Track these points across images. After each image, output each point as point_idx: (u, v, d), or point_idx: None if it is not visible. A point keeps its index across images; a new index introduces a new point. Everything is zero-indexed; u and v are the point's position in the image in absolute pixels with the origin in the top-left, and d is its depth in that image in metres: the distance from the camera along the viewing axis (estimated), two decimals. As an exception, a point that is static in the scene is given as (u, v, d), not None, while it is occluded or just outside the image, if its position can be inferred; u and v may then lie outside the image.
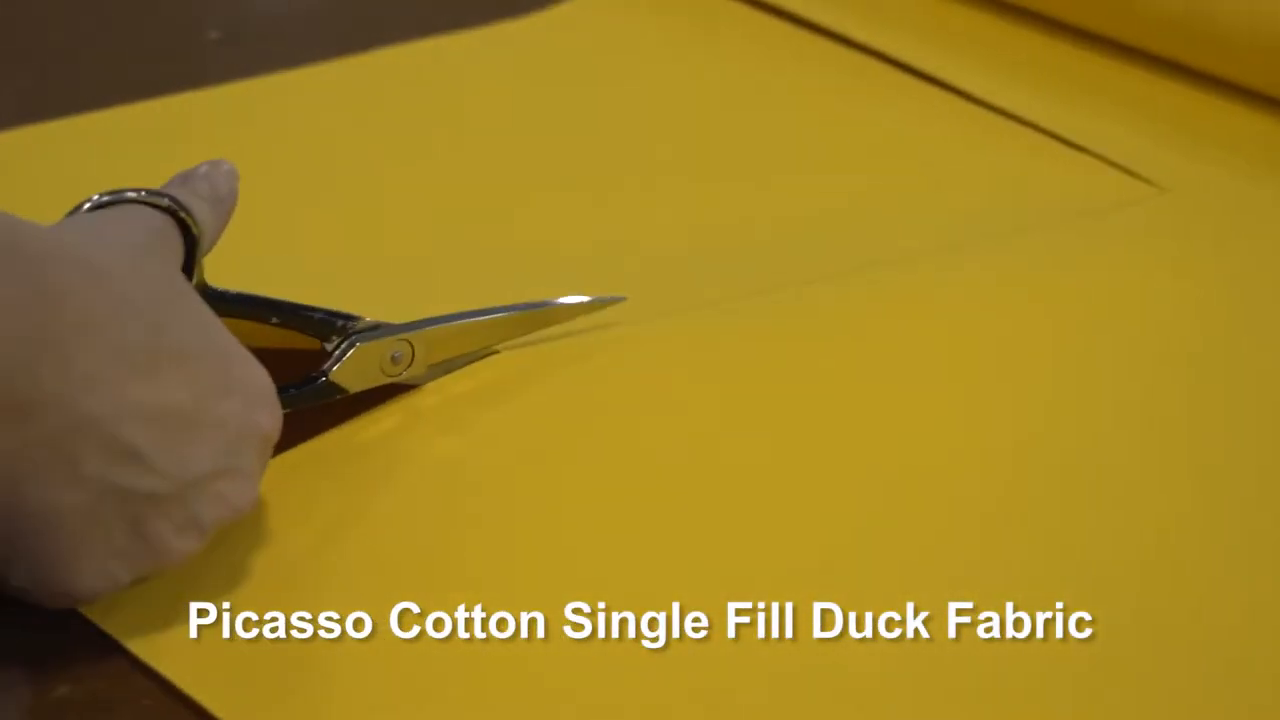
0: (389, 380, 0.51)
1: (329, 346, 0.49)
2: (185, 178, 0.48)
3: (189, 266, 0.46)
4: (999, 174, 0.65)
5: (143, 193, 0.45)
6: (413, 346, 0.51)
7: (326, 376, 0.50)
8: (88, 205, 0.46)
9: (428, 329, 0.51)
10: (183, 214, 0.46)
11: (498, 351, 0.54)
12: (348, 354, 0.49)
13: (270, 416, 0.46)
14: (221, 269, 0.48)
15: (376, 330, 0.50)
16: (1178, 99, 0.66)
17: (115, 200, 0.45)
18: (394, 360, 0.50)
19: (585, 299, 0.55)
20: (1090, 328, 0.59)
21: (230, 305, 0.47)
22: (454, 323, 0.51)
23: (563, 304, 0.54)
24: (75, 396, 0.40)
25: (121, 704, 0.46)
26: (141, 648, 0.49)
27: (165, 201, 0.45)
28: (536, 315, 0.53)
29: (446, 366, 0.53)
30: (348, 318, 0.49)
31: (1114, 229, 0.61)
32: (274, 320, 0.49)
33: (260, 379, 0.46)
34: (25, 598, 0.44)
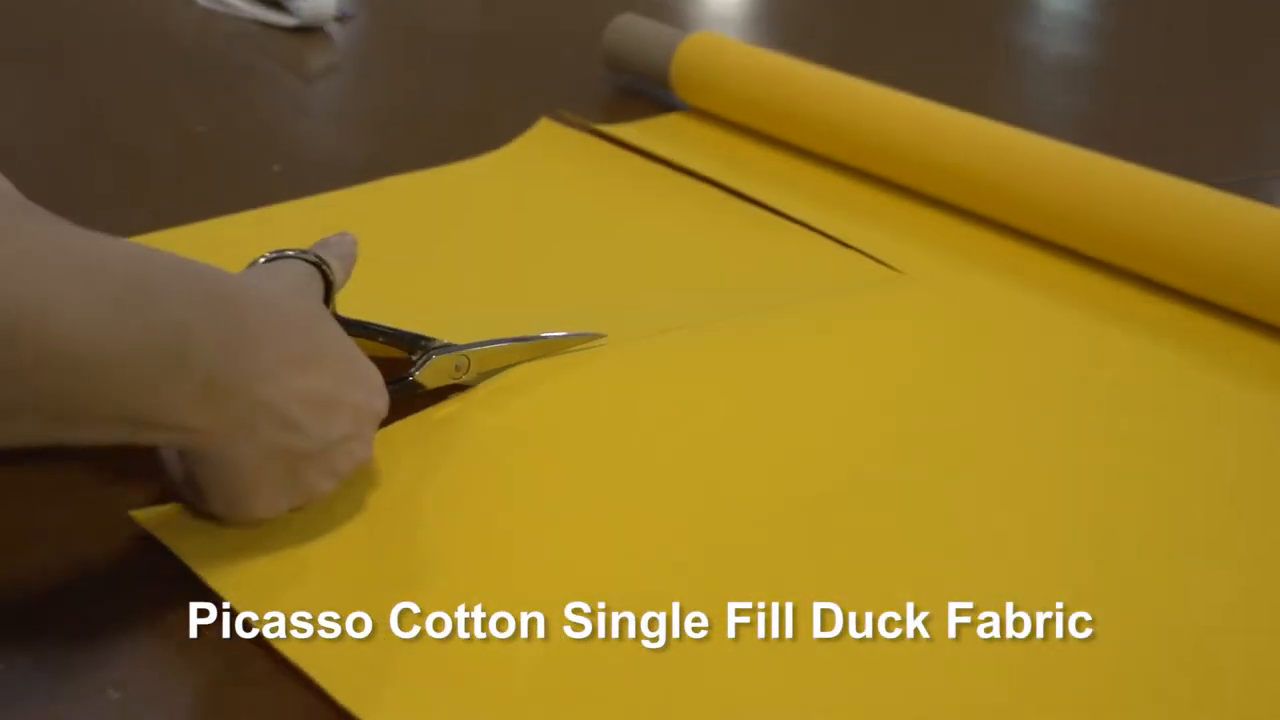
0: (453, 381, 0.70)
1: (413, 356, 0.69)
2: (323, 243, 0.67)
3: (327, 300, 0.65)
4: (792, 261, 0.86)
5: (297, 251, 0.64)
6: (469, 359, 0.70)
7: (412, 376, 0.68)
8: (262, 260, 0.64)
9: (478, 348, 0.70)
10: (324, 266, 0.65)
11: (519, 363, 0.72)
12: (427, 363, 0.69)
13: (382, 401, 0.62)
14: (346, 303, 0.68)
15: (446, 348, 0.69)
16: (916, 213, 0.90)
17: (278, 256, 0.64)
18: (457, 368, 0.69)
19: (572, 334, 0.73)
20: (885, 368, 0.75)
21: (351, 327, 0.65)
22: (493, 345, 0.70)
23: (557, 336, 0.72)
24: (254, 387, 0.56)
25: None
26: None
27: (312, 257, 0.64)
28: (542, 344, 0.72)
29: (488, 375, 0.70)
30: (426, 338, 0.69)
31: (871, 300, 0.81)
32: (380, 338, 0.69)
33: (375, 375, 0.62)
34: (216, 515, 0.60)
